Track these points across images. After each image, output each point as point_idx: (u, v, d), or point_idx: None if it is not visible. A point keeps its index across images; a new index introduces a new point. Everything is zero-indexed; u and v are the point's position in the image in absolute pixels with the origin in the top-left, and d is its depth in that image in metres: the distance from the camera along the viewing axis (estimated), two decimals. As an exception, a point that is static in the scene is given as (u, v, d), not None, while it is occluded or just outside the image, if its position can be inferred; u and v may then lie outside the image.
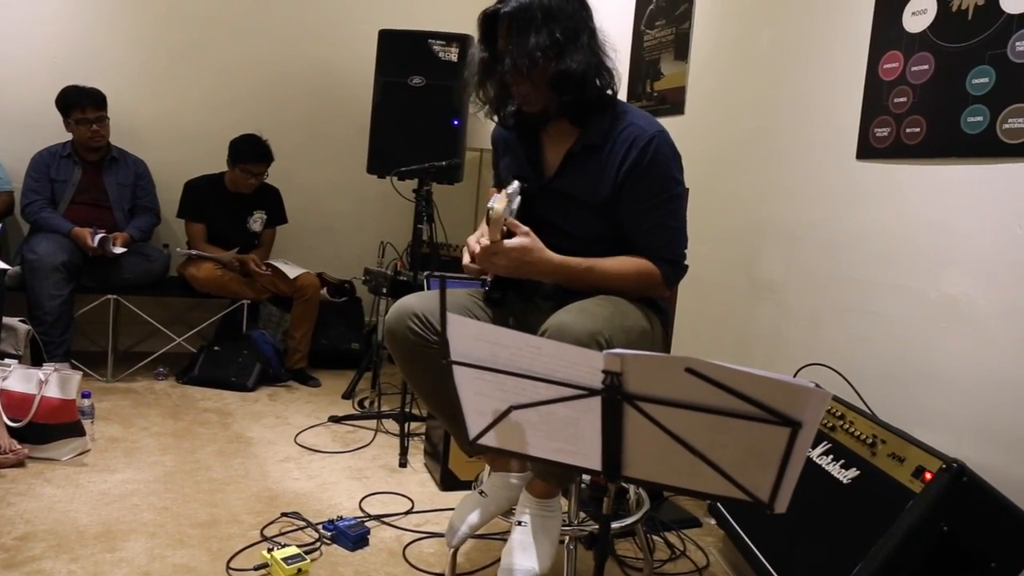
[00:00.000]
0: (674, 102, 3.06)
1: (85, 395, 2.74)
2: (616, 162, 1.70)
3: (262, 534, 2.11)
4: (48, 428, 2.52)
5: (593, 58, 1.70)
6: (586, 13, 1.73)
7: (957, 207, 1.96)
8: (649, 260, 1.70)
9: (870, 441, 1.75)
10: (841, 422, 1.88)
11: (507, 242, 1.61)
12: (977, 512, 1.51)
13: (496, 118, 1.86)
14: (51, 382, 2.54)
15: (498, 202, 1.56)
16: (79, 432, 2.60)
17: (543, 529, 1.68)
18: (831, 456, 1.84)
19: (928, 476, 1.55)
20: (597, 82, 1.72)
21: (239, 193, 3.87)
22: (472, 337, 1.07)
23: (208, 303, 3.91)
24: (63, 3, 3.83)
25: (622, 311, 1.62)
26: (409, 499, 2.42)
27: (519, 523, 1.69)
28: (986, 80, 1.88)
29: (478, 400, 1.13)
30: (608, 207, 1.72)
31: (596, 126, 1.73)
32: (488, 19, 1.72)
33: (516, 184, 1.69)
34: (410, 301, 1.74)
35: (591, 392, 1.00)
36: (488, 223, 1.59)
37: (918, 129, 2.06)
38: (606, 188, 1.70)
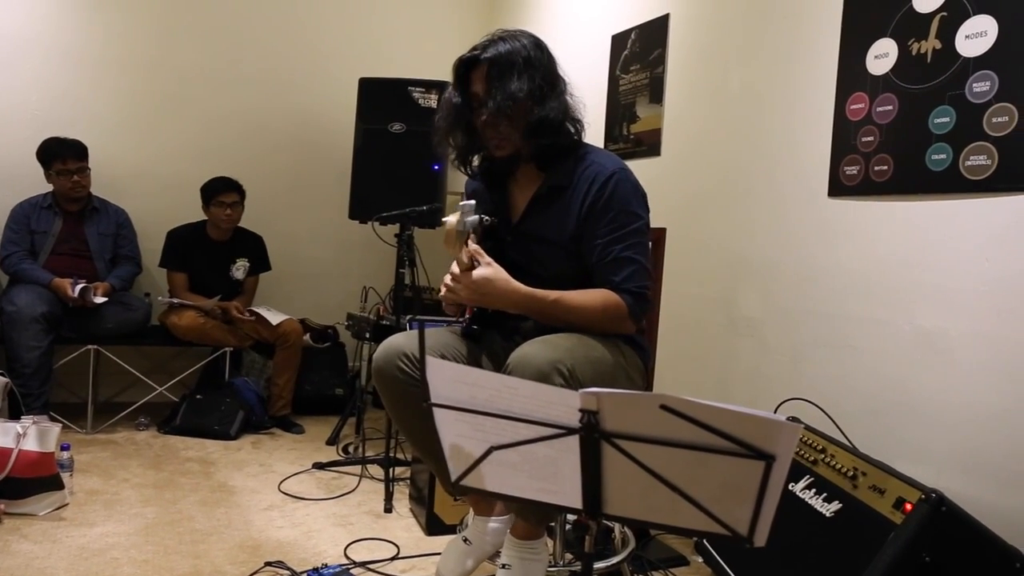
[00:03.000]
0: (650, 144, 3.12)
1: (64, 447, 2.70)
2: (579, 199, 1.74)
3: (245, 585, 2.07)
4: (25, 482, 2.47)
5: (566, 107, 1.78)
6: (555, 65, 1.81)
7: (926, 242, 2.01)
8: (614, 292, 1.71)
9: (851, 474, 1.77)
10: (823, 456, 1.89)
11: (473, 273, 1.64)
12: (957, 541, 1.53)
13: (463, 167, 1.91)
14: (29, 435, 2.50)
15: (451, 216, 1.60)
16: (57, 486, 2.55)
17: (527, 572, 1.67)
18: (814, 490, 1.85)
19: (908, 507, 1.56)
20: (570, 129, 1.80)
21: (222, 241, 3.88)
22: (451, 379, 1.08)
23: (190, 351, 3.88)
24: (44, 54, 3.88)
25: (587, 343, 1.63)
26: (395, 545, 2.39)
27: (504, 566, 1.68)
28: (947, 120, 1.95)
29: (459, 442, 1.14)
30: (574, 244, 1.76)
31: (561, 168, 1.78)
32: (464, 65, 1.77)
33: (471, 201, 1.74)
34: (398, 340, 1.74)
35: (569, 431, 1.01)
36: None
37: (886, 167, 2.12)
38: (571, 225, 1.75)
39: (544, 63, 1.76)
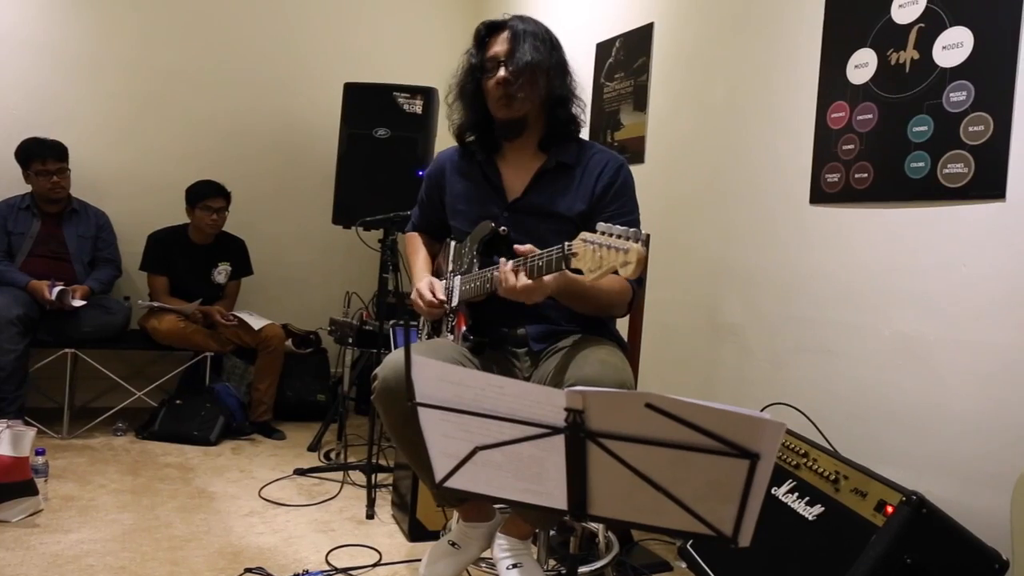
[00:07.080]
0: (634, 151, 3.14)
1: (39, 452, 2.66)
2: (592, 179, 1.81)
3: (224, 591, 2.05)
4: (-1, 487, 2.43)
5: (574, 93, 1.88)
6: (566, 58, 1.89)
7: (905, 248, 2.04)
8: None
9: (833, 478, 1.78)
10: (805, 460, 1.90)
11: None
12: (938, 543, 1.54)
13: (456, 135, 1.94)
14: (3, 439, 2.45)
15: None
16: (31, 491, 2.51)
17: (537, 568, 1.72)
18: (796, 494, 1.86)
19: (889, 509, 1.57)
20: (578, 117, 1.89)
21: (203, 245, 3.85)
22: (436, 378, 1.08)
23: (170, 356, 3.84)
24: (22, 53, 3.83)
25: (611, 353, 1.68)
26: (377, 551, 2.37)
27: (517, 565, 1.70)
28: (925, 128, 1.98)
29: (444, 442, 1.13)
30: (581, 221, 1.78)
31: (565, 148, 1.86)
32: (488, 28, 1.83)
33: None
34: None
35: (554, 430, 1.01)
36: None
37: (866, 175, 2.15)
38: (581, 203, 1.80)
39: (561, 51, 1.86)
